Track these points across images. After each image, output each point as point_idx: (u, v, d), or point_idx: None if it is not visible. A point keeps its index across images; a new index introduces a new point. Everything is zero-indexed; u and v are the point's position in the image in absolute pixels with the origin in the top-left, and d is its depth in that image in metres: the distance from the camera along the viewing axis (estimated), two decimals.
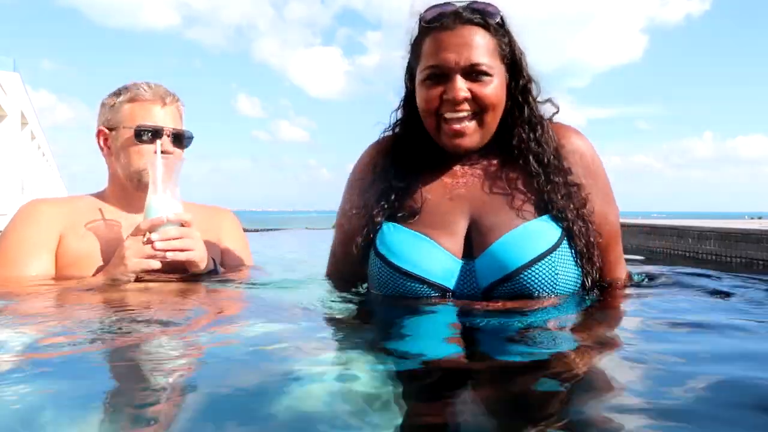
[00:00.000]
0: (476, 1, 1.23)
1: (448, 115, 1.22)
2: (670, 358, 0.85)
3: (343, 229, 1.42)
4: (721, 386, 0.74)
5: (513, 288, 1.14)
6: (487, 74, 1.20)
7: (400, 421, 0.65)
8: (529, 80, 1.28)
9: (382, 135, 1.41)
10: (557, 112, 1.33)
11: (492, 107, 1.22)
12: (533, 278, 1.13)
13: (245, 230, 1.94)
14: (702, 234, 5.15)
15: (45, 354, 0.87)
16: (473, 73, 1.20)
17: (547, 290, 1.14)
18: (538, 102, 1.31)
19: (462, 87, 1.19)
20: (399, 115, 1.38)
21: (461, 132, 1.22)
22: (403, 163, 1.33)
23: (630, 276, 1.39)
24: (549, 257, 1.13)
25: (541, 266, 1.13)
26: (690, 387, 0.74)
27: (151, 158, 1.48)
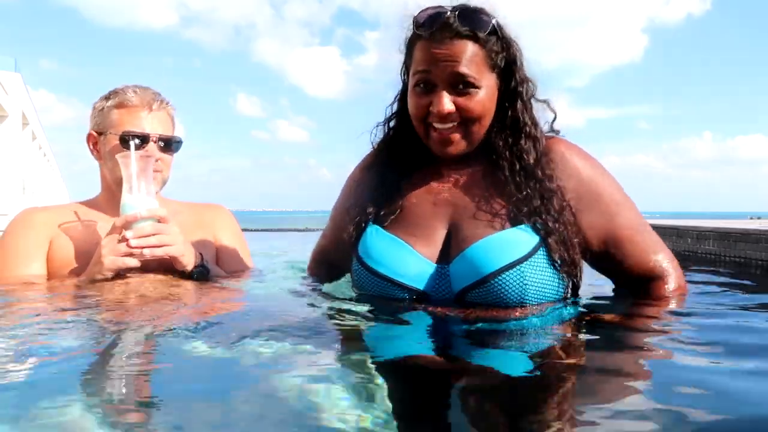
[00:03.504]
0: (467, 8, 1.22)
1: (435, 125, 1.24)
2: (641, 374, 0.86)
3: (334, 221, 1.48)
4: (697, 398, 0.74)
5: (484, 293, 1.17)
6: (473, 86, 1.21)
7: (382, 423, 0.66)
8: (521, 83, 1.28)
9: (376, 127, 1.42)
10: (555, 119, 1.33)
11: (478, 119, 1.24)
12: (502, 285, 1.15)
13: (244, 230, 1.94)
14: (701, 234, 5.15)
15: (22, 357, 0.87)
16: (460, 85, 1.21)
17: (516, 297, 1.16)
18: (536, 100, 1.31)
19: (447, 102, 1.20)
20: (394, 108, 1.40)
21: (448, 139, 1.24)
22: (395, 164, 1.36)
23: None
24: (519, 267, 1.15)
25: (510, 275, 1.15)
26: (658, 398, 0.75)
27: (125, 158, 1.49)
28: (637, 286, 1.30)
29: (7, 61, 16.52)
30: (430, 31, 1.21)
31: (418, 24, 1.23)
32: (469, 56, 1.20)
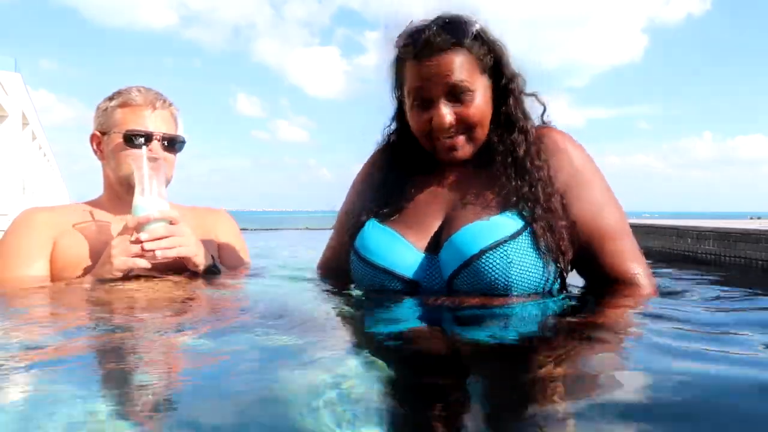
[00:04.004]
0: (446, 20, 1.24)
1: (439, 137, 1.27)
2: (631, 367, 0.86)
3: (339, 225, 1.50)
4: (690, 382, 0.75)
5: (470, 276, 1.20)
6: (469, 92, 1.24)
7: (385, 420, 0.66)
8: (511, 79, 1.30)
9: (375, 150, 1.47)
10: (545, 111, 1.35)
11: (479, 123, 1.27)
12: (487, 265, 1.18)
13: (244, 230, 1.95)
14: (701, 234, 5.15)
15: (30, 357, 0.87)
16: (456, 94, 1.24)
17: (501, 278, 1.18)
18: (525, 94, 1.33)
19: (446, 113, 1.24)
20: (393, 127, 1.44)
21: (454, 146, 1.28)
22: (399, 166, 1.40)
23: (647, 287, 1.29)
24: (503, 246, 1.18)
25: (494, 254, 1.18)
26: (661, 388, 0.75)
27: (136, 158, 1.49)
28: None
29: (7, 61, 16.56)
30: (414, 51, 1.24)
31: (400, 48, 1.27)
32: (458, 65, 1.23)
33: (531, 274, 1.21)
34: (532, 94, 1.34)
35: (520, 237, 1.20)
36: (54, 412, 0.67)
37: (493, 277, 1.19)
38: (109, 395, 0.74)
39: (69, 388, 0.75)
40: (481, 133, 1.29)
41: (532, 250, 1.20)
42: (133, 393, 0.74)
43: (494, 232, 1.20)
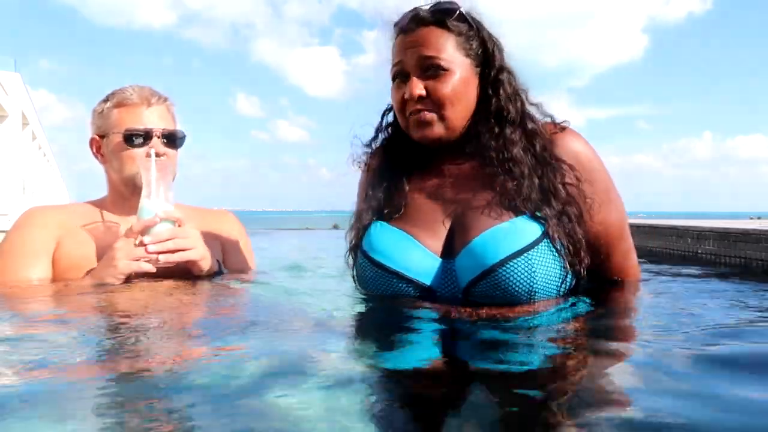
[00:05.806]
0: (438, 2, 1.28)
1: (412, 111, 1.27)
2: (659, 368, 0.85)
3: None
4: (720, 392, 0.75)
5: (491, 284, 1.16)
6: (442, 69, 1.24)
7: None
8: (500, 71, 1.30)
9: (371, 140, 1.45)
10: (553, 119, 1.32)
11: (449, 102, 1.25)
12: (510, 275, 1.14)
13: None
14: (701, 234, 5.14)
15: (29, 360, 0.87)
16: (429, 69, 1.25)
17: (524, 287, 1.15)
18: (530, 104, 1.31)
19: (417, 85, 1.25)
20: (390, 118, 1.42)
21: (423, 122, 1.26)
22: (395, 164, 1.38)
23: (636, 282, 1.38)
24: (526, 254, 1.14)
25: (517, 263, 1.14)
26: (679, 392, 0.75)
27: (144, 161, 1.48)
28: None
29: (6, 61, 16.58)
30: (403, 26, 1.28)
31: (395, 25, 1.31)
32: (435, 40, 1.25)
33: (553, 279, 1.18)
34: (536, 104, 1.32)
35: (542, 243, 1.16)
36: (53, 415, 0.67)
37: (515, 287, 1.15)
38: (107, 401, 0.73)
39: (67, 393, 0.75)
40: (452, 113, 1.26)
41: (553, 255, 1.18)
42: (131, 399, 0.74)
43: (515, 238, 1.16)
